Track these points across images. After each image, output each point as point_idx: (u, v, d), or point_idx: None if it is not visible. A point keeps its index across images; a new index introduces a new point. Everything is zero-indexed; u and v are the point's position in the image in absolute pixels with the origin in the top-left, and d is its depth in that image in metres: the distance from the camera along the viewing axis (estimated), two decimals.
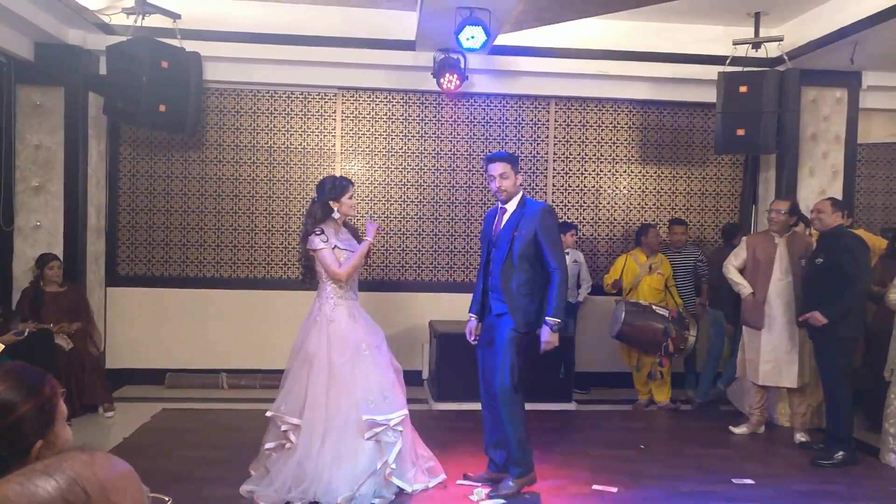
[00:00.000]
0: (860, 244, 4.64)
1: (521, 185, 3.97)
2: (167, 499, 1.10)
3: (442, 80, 5.74)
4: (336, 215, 3.87)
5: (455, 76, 5.73)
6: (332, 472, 3.59)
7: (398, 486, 3.77)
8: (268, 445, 3.81)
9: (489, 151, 6.50)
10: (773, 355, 5.02)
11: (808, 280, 4.75)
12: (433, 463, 4.01)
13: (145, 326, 6.25)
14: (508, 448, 3.87)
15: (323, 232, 3.81)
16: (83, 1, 5.12)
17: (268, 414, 3.82)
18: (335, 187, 3.85)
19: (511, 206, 3.92)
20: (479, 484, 3.96)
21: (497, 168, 3.86)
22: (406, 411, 3.80)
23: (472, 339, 4.06)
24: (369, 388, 3.71)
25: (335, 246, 3.82)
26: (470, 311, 4.13)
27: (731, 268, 5.23)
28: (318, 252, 3.79)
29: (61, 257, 5.51)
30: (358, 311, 3.90)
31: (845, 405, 4.56)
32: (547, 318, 3.81)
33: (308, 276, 3.95)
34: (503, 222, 3.93)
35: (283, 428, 3.73)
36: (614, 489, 4.02)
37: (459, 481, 4.02)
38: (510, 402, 3.81)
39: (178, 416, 5.32)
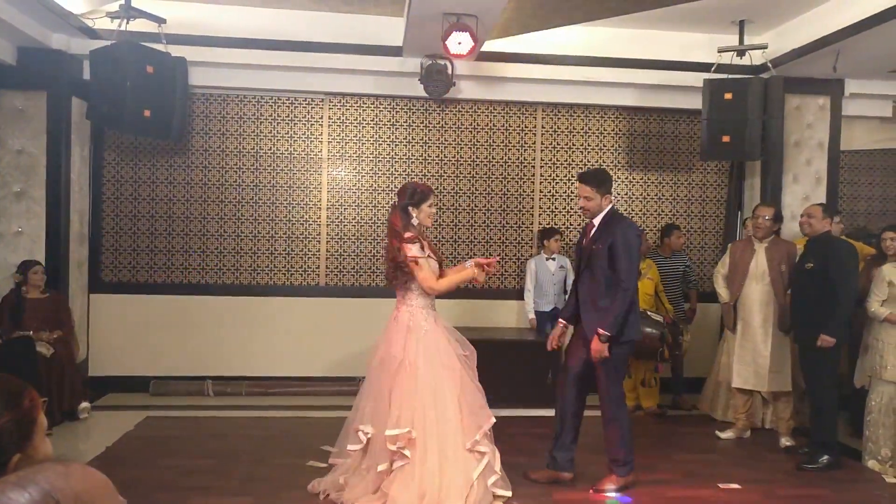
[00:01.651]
0: (850, 251, 4.66)
1: (607, 203, 4.02)
2: None
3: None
4: (415, 222, 3.78)
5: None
6: (442, 482, 3.53)
7: (502, 494, 3.72)
8: (381, 468, 3.61)
9: (476, 158, 6.53)
10: (746, 358, 5.07)
11: (798, 285, 4.77)
12: None
13: (129, 333, 6.18)
14: (613, 447, 4.09)
15: (419, 240, 3.73)
16: (67, 5, 5.07)
17: (389, 433, 3.56)
18: (416, 193, 3.79)
19: (597, 221, 4.02)
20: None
21: (581, 190, 4.03)
22: (493, 419, 3.75)
23: (553, 344, 4.22)
24: (474, 397, 3.68)
25: (428, 255, 3.76)
26: (560, 318, 4.30)
27: (719, 276, 5.37)
28: (418, 261, 3.68)
29: (44, 264, 5.44)
30: (440, 319, 3.85)
31: (831, 410, 4.59)
32: (599, 328, 3.87)
33: (396, 278, 3.79)
34: (590, 236, 4.05)
35: (399, 444, 3.56)
36: (612, 493, 4.03)
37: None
38: (614, 409, 4.03)
39: (163, 424, 5.26)
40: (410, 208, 3.78)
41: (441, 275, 3.88)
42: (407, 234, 3.72)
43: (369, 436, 3.68)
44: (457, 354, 3.74)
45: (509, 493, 3.77)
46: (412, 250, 3.68)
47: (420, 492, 3.52)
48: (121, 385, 6.11)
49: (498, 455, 3.75)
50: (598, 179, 3.99)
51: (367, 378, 3.85)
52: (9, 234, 5.60)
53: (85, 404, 5.35)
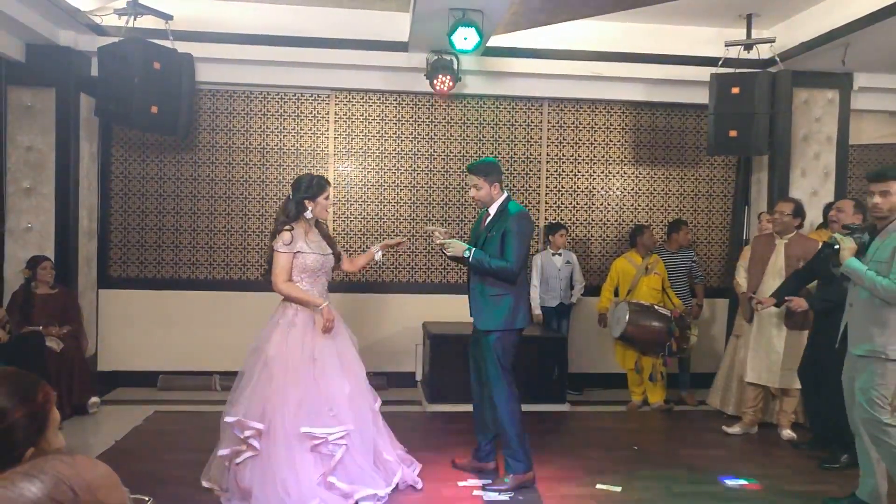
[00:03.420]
0: None
1: (498, 193, 4.02)
2: (147, 499, 1.11)
3: (435, 82, 5.75)
4: (309, 215, 3.76)
5: (448, 77, 5.72)
6: (295, 479, 3.48)
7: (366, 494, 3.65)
8: (222, 452, 3.65)
9: (482, 153, 6.55)
10: (759, 353, 5.07)
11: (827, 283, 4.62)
12: (407, 463, 4.00)
13: (137, 328, 6.23)
14: (507, 443, 3.96)
15: (292, 230, 3.69)
16: (75, 2, 5.10)
17: (228, 419, 3.61)
18: (311, 186, 3.74)
19: (493, 210, 4.04)
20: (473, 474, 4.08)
21: (470, 180, 4.03)
22: (351, 427, 3.64)
23: None
24: (317, 398, 3.61)
25: (298, 251, 3.70)
26: None
27: (741, 269, 5.40)
28: (276, 253, 3.68)
29: (53, 259, 5.49)
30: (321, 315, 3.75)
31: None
32: (476, 252, 3.86)
33: (268, 271, 3.79)
34: (483, 225, 4.07)
35: (246, 433, 3.56)
36: (618, 488, 4.04)
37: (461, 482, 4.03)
38: (505, 400, 3.92)
39: (170, 419, 5.31)
40: (306, 201, 3.73)
41: (353, 263, 4.14)
42: (283, 228, 3.67)
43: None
44: (321, 353, 3.67)
45: (383, 491, 3.71)
46: (278, 243, 3.66)
47: (278, 484, 3.46)
48: (129, 380, 6.17)
49: (340, 455, 3.62)
50: (485, 169, 3.99)
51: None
52: (18, 229, 5.65)
53: (94, 399, 5.41)
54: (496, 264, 3.86)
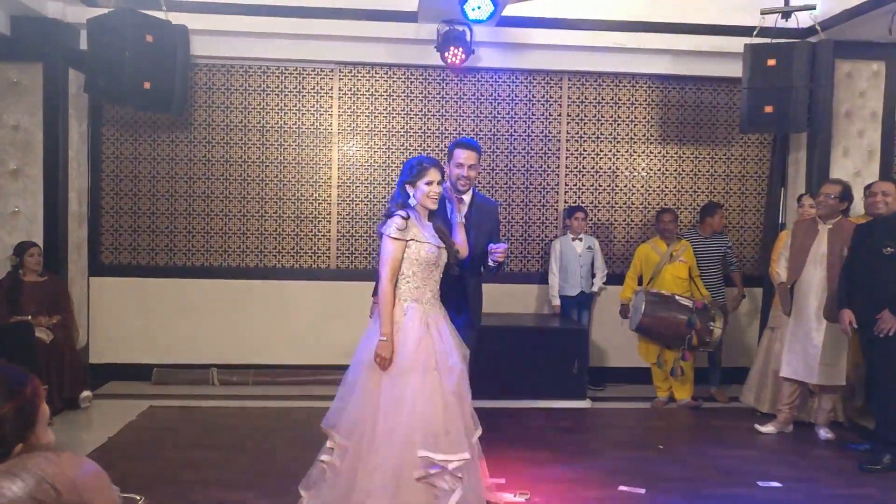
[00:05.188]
0: None
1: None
2: (138, 498, 1.12)
3: (446, 55, 5.71)
4: (412, 202, 3.38)
5: (460, 50, 5.69)
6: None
7: None
8: (322, 457, 3.38)
9: (497, 131, 6.52)
10: (796, 347, 5.02)
11: (869, 270, 4.54)
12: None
13: (131, 319, 6.29)
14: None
15: (408, 218, 3.31)
16: None
17: (323, 426, 3.36)
18: (412, 168, 3.37)
19: (467, 199, 3.98)
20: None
21: (471, 158, 3.85)
22: (467, 455, 3.22)
23: None
24: (434, 418, 3.20)
25: (413, 239, 3.31)
26: None
27: (781, 258, 5.33)
28: (385, 239, 3.30)
29: (41, 245, 5.54)
30: (435, 318, 3.39)
31: None
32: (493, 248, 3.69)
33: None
34: (455, 215, 3.92)
35: (330, 445, 3.34)
36: (642, 490, 4.05)
37: None
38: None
39: (165, 414, 5.36)
40: (407, 186, 3.40)
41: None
42: (396, 213, 3.33)
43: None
44: (437, 363, 3.29)
45: None
46: (391, 227, 3.29)
47: None
48: (122, 373, 6.23)
49: (459, 496, 3.17)
50: (480, 150, 3.98)
51: None
52: (5, 213, 5.70)
53: (86, 393, 5.47)
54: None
